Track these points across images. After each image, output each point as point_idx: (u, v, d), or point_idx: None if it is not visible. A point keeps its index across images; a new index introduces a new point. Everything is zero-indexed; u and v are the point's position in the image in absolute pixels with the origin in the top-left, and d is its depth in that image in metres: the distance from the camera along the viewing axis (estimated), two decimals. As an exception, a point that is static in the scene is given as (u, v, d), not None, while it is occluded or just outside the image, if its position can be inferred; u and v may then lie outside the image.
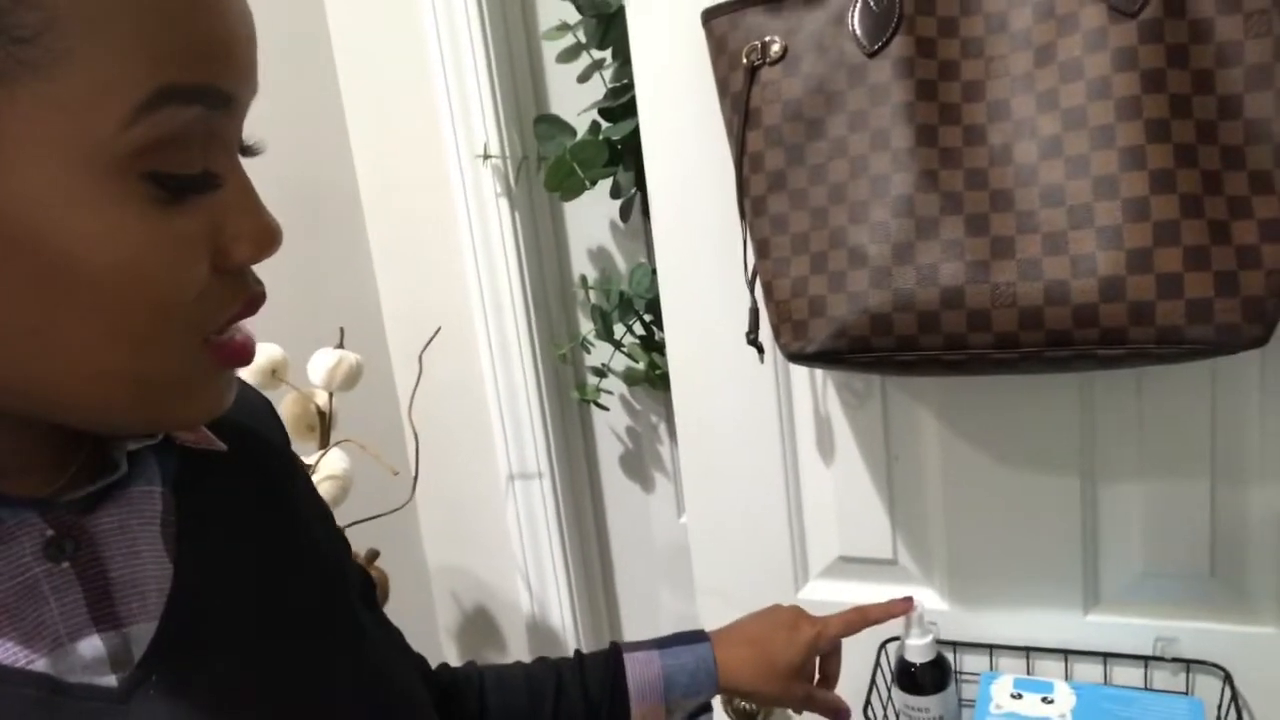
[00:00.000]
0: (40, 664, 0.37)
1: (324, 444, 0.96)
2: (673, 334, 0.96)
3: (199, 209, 0.37)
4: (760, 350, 0.83)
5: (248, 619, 0.45)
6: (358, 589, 0.55)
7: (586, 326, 1.22)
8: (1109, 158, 0.63)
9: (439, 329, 1.10)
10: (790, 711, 0.98)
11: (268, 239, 0.39)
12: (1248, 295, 0.61)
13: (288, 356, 0.92)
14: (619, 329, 1.14)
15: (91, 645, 0.39)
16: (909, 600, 0.81)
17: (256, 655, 0.44)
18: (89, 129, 0.33)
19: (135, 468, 0.43)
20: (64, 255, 0.33)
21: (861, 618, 0.78)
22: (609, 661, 0.73)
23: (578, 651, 0.75)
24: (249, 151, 0.42)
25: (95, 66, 0.32)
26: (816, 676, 0.82)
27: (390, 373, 1.28)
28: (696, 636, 0.76)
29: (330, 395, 0.95)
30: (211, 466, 0.47)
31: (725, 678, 0.74)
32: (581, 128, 1.07)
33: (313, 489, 0.56)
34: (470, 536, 1.31)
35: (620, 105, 1.03)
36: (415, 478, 1.03)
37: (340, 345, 0.95)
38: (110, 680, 0.39)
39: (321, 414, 0.95)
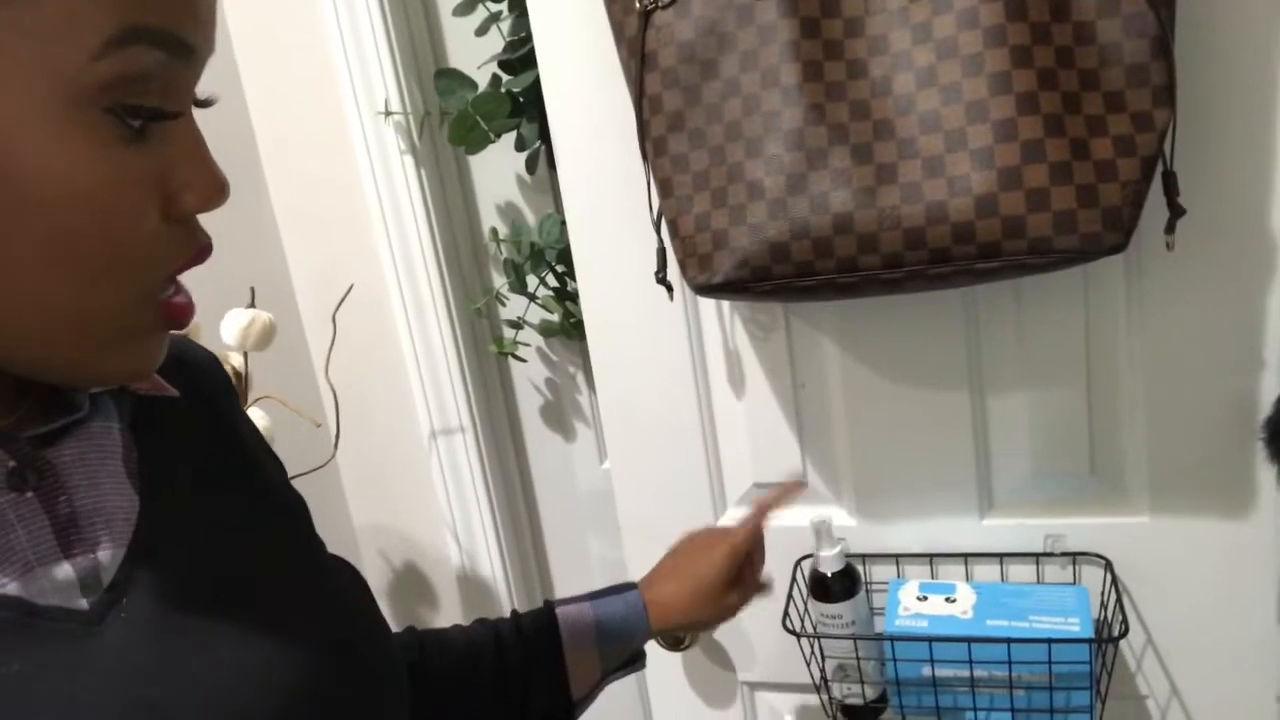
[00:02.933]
0: (11, 588, 0.39)
1: (242, 404, 0.96)
2: (585, 282, 0.98)
3: (151, 153, 0.38)
4: (670, 289, 0.86)
5: (213, 548, 0.47)
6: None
7: (499, 280, 1.24)
8: (979, 84, 0.68)
9: (351, 287, 1.11)
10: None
11: (215, 189, 0.41)
12: (1107, 206, 0.67)
13: (198, 320, 0.92)
14: (532, 281, 1.16)
15: (61, 570, 0.40)
16: (800, 483, 0.86)
17: (224, 580, 0.46)
18: (58, 60, 0.34)
19: (93, 406, 0.45)
20: (23, 184, 0.35)
21: (760, 511, 0.84)
22: (543, 616, 0.75)
23: (514, 611, 0.77)
24: (204, 104, 0.43)
25: None
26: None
27: (303, 334, 1.27)
28: (626, 587, 0.79)
29: (245, 356, 0.95)
30: (165, 411, 0.49)
31: (660, 618, 0.78)
32: (482, 81, 1.07)
33: (262, 439, 0.58)
34: (395, 494, 1.32)
35: (519, 57, 1.04)
36: (337, 435, 1.03)
37: (252, 305, 0.95)
38: (82, 603, 0.40)
39: (238, 374, 0.95)
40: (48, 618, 0.39)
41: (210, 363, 0.57)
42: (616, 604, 0.77)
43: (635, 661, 0.80)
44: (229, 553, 0.47)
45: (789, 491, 0.85)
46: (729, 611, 0.82)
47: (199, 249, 0.42)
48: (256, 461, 0.54)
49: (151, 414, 0.48)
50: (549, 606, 0.76)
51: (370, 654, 0.52)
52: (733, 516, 1.01)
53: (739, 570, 0.83)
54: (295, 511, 0.55)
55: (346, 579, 0.56)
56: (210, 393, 0.54)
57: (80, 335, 0.38)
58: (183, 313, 0.42)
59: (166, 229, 0.39)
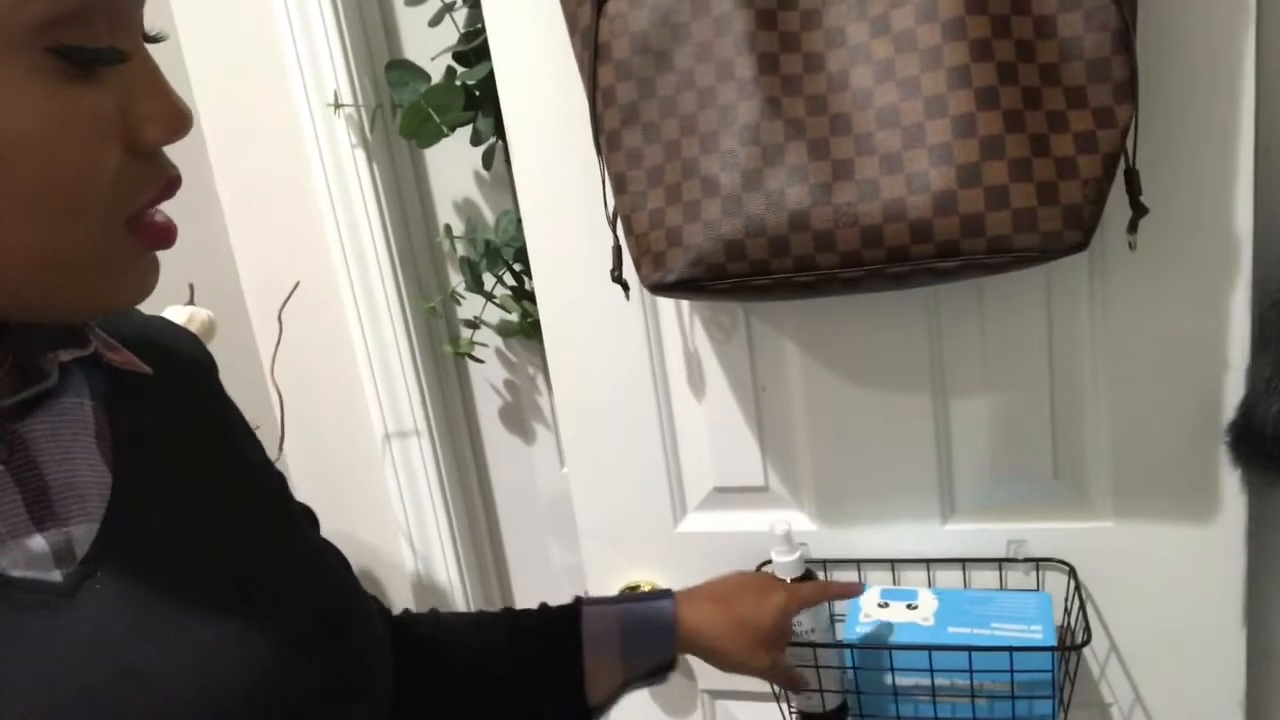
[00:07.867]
0: None
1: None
2: (541, 281, 0.96)
3: (107, 88, 0.37)
4: (625, 288, 0.84)
5: (187, 523, 0.46)
6: (301, 514, 0.58)
7: (455, 279, 1.20)
8: (938, 78, 0.66)
9: (297, 284, 1.07)
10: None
11: (178, 120, 0.40)
12: (1067, 203, 0.65)
13: (135, 319, 0.88)
14: (489, 279, 1.13)
15: (34, 542, 0.40)
16: (859, 585, 0.84)
17: (198, 554, 0.46)
18: None
19: (64, 382, 0.44)
20: None
21: (822, 592, 0.81)
22: (567, 611, 0.72)
23: (543, 604, 0.74)
24: (154, 39, 0.43)
25: None
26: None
27: (251, 334, 1.23)
28: (662, 594, 0.76)
29: (184, 357, 0.91)
30: (140, 388, 0.49)
31: (688, 635, 0.74)
32: (436, 73, 1.04)
33: (242, 419, 0.57)
34: (348, 499, 1.29)
35: (474, 49, 1.01)
36: (281, 437, 1.00)
37: (191, 302, 0.91)
38: (55, 575, 0.40)
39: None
40: (21, 588, 0.39)
41: (190, 343, 0.57)
42: (646, 609, 0.73)
43: (663, 671, 0.75)
44: (204, 528, 0.47)
45: (852, 590, 0.82)
46: (756, 663, 0.75)
47: (168, 181, 0.42)
48: (234, 440, 0.54)
49: (125, 391, 0.48)
50: (578, 601, 0.73)
51: (348, 626, 0.52)
52: (693, 522, 0.99)
53: (781, 629, 0.77)
54: (273, 489, 0.55)
55: (325, 554, 0.56)
56: (187, 372, 0.54)
57: (58, 275, 0.38)
58: (164, 235, 0.42)
59: (133, 164, 0.39)
